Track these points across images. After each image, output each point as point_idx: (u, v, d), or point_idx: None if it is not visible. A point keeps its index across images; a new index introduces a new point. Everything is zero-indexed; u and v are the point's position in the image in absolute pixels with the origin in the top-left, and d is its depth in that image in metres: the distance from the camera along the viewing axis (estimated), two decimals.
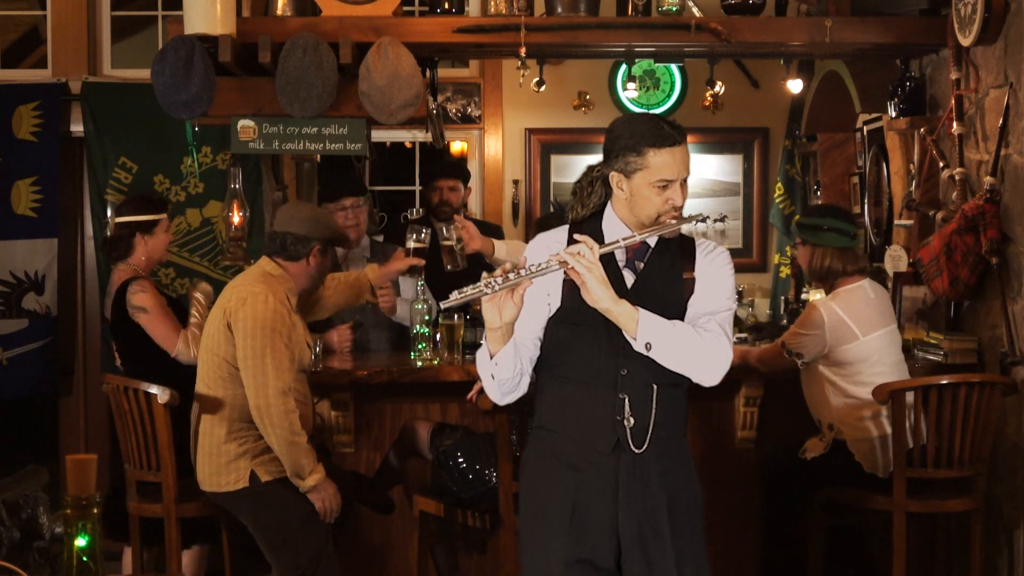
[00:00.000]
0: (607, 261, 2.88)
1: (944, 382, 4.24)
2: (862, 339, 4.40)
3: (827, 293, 4.55)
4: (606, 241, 2.90)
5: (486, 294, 2.77)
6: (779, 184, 7.02)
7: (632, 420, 2.90)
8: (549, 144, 7.17)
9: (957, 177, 4.76)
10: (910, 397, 4.27)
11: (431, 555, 4.52)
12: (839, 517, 4.65)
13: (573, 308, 2.90)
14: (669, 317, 2.88)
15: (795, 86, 6.44)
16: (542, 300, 2.95)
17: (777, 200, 7.04)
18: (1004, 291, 4.48)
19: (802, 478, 4.48)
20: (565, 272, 2.82)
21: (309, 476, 4.10)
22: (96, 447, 6.22)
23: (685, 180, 2.92)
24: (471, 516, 4.11)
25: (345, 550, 4.61)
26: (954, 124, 4.79)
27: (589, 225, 3.01)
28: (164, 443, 4.22)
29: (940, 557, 4.73)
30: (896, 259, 5.10)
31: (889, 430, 4.31)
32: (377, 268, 4.79)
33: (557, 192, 7.12)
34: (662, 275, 2.96)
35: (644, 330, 2.82)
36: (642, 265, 2.96)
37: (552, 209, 7.05)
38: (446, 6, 5.18)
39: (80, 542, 2.14)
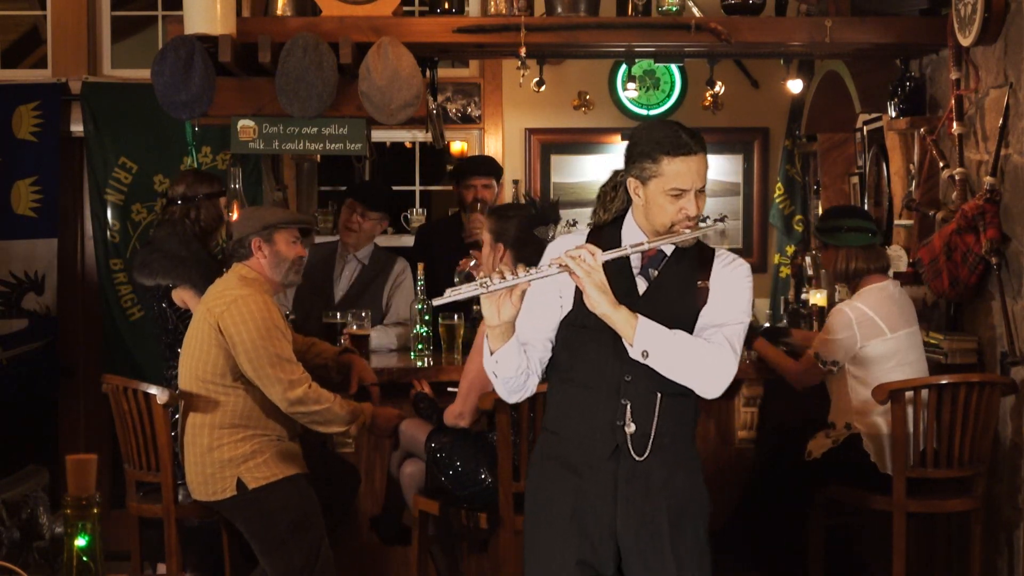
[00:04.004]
0: (621, 267, 2.86)
1: (944, 382, 4.24)
2: (889, 335, 4.40)
3: (852, 293, 4.55)
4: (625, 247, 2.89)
5: (481, 293, 2.75)
6: (779, 184, 7.02)
7: (633, 426, 2.87)
8: (549, 144, 7.16)
9: (957, 177, 4.76)
10: (910, 397, 4.27)
11: (431, 555, 4.52)
12: (840, 517, 4.65)
13: (582, 312, 2.86)
14: (679, 327, 2.84)
15: (795, 86, 6.43)
16: (554, 301, 2.92)
17: (777, 200, 7.03)
18: (1004, 291, 4.48)
19: (807, 476, 4.47)
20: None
21: (355, 423, 4.22)
22: (96, 447, 6.21)
23: (701, 190, 2.87)
24: (470, 516, 4.12)
25: (344, 550, 4.61)
26: (954, 124, 4.79)
27: (609, 230, 2.98)
28: (164, 443, 4.21)
29: (940, 557, 4.73)
30: (896, 259, 5.09)
31: (908, 429, 4.29)
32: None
33: (557, 192, 7.11)
34: (676, 284, 2.92)
35: (642, 337, 2.78)
36: (656, 273, 2.92)
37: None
38: (446, 6, 5.18)
39: (80, 542, 2.13)
